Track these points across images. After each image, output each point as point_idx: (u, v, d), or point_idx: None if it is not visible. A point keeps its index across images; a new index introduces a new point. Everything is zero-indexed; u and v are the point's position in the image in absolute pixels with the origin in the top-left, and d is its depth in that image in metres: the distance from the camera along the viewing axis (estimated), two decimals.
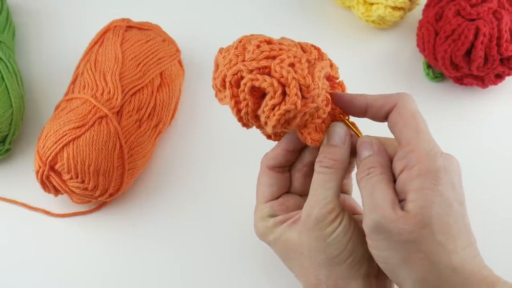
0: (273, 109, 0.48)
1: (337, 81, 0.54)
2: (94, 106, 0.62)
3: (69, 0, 0.83)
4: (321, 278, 0.51)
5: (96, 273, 0.62)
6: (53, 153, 0.60)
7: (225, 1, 0.82)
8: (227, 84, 0.50)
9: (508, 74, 0.69)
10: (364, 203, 0.49)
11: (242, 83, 0.49)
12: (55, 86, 0.73)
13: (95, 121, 0.61)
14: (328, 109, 0.51)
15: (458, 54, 0.67)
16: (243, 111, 0.50)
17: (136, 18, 0.73)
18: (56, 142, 0.60)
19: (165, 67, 0.68)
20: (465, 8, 0.68)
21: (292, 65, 0.48)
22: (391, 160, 0.50)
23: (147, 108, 0.65)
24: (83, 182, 0.61)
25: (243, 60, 0.49)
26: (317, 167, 0.52)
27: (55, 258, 0.63)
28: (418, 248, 0.46)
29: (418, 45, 0.73)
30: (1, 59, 0.68)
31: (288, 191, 0.57)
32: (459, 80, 0.71)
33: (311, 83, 0.48)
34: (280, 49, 0.49)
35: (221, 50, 0.52)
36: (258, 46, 0.49)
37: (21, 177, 0.68)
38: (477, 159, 0.68)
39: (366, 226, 0.48)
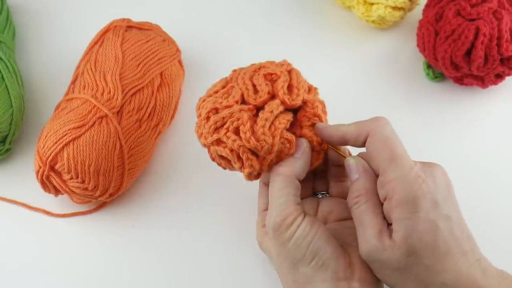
0: (240, 169, 0.53)
1: (310, 105, 0.55)
2: (94, 106, 0.62)
3: (69, 0, 0.83)
4: (290, 284, 0.53)
5: (96, 273, 0.62)
6: (53, 153, 0.60)
7: (225, 1, 0.82)
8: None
9: (508, 74, 0.69)
10: (357, 233, 0.51)
11: (210, 152, 0.55)
12: (55, 86, 0.73)
13: (95, 121, 0.61)
14: (292, 149, 0.53)
15: (458, 54, 0.67)
16: (225, 168, 0.55)
17: (136, 18, 0.73)
18: (56, 142, 0.60)
19: (165, 67, 0.68)
20: (465, 8, 0.68)
21: (237, 130, 0.52)
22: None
23: (147, 108, 0.65)
24: (83, 182, 0.61)
25: (202, 132, 0.54)
26: (270, 177, 0.54)
27: (55, 258, 0.63)
28: (408, 273, 0.48)
29: (418, 45, 0.73)
30: (1, 59, 0.68)
31: None
32: (459, 80, 0.71)
33: (257, 143, 0.51)
34: (223, 117, 0.52)
35: (197, 104, 0.57)
36: (207, 119, 0.53)
37: (21, 177, 0.68)
38: (477, 159, 0.68)
39: (362, 254, 0.51)
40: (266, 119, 0.52)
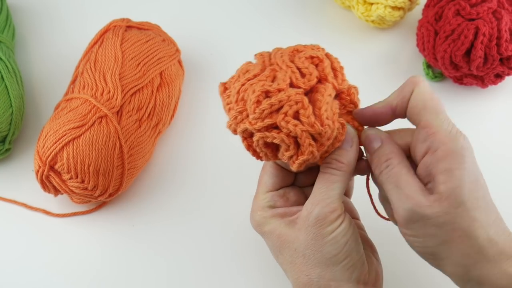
0: (291, 158, 0.49)
1: (346, 91, 0.52)
2: (94, 106, 0.62)
3: (69, 0, 0.83)
4: (313, 277, 0.51)
5: (96, 272, 0.62)
6: (53, 153, 0.60)
7: (225, 1, 0.82)
8: (240, 137, 0.50)
9: (508, 74, 0.69)
10: (392, 196, 0.49)
11: (254, 139, 0.49)
12: (55, 86, 0.73)
13: (95, 121, 0.61)
14: (343, 135, 0.51)
15: (458, 54, 0.67)
16: (263, 158, 0.51)
17: (136, 18, 0.73)
18: (56, 142, 0.60)
19: (165, 67, 0.68)
20: (464, 8, 0.68)
21: (296, 114, 0.48)
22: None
23: (147, 108, 0.65)
24: (83, 182, 0.61)
25: (247, 116, 0.49)
26: (323, 167, 0.52)
27: (55, 258, 0.63)
28: (456, 227, 0.47)
29: (418, 45, 0.73)
30: (1, 59, 0.68)
31: (290, 184, 0.56)
32: (459, 80, 0.71)
33: (321, 128, 0.48)
34: (280, 101, 0.48)
35: (221, 91, 0.52)
36: (258, 103, 0.48)
37: (21, 177, 0.68)
38: (477, 158, 0.68)
39: (400, 217, 0.49)
40: (327, 103, 0.48)
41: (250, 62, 0.52)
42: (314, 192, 0.52)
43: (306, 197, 0.54)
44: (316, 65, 0.51)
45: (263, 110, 0.48)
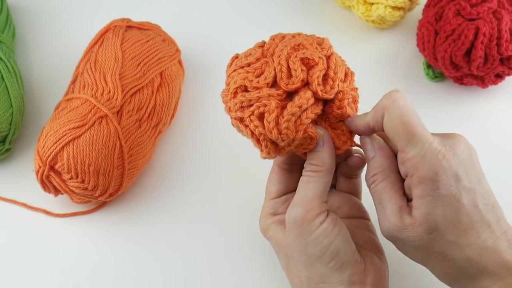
0: (257, 147, 0.52)
1: (337, 99, 0.52)
2: (94, 106, 0.62)
3: (69, 0, 0.83)
4: (303, 279, 0.52)
5: (96, 272, 0.62)
6: (53, 153, 0.60)
7: (225, 1, 0.82)
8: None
9: (508, 74, 0.69)
10: (377, 212, 0.51)
11: (232, 123, 0.53)
12: (55, 86, 0.73)
13: (95, 121, 0.61)
14: (313, 144, 0.52)
15: (458, 54, 0.67)
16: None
17: (136, 18, 0.73)
18: (56, 142, 0.60)
19: (165, 67, 0.68)
20: (465, 8, 0.68)
21: (261, 116, 0.50)
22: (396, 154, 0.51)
23: (147, 108, 0.65)
24: (83, 182, 0.61)
25: (227, 103, 0.52)
26: (303, 172, 0.53)
27: (55, 258, 0.63)
28: (431, 250, 0.48)
29: (418, 45, 0.73)
30: (1, 59, 0.68)
31: (294, 190, 0.56)
32: (459, 80, 0.71)
33: (278, 136, 0.50)
34: (250, 100, 0.50)
35: (229, 64, 0.54)
36: (234, 94, 0.51)
37: (21, 177, 0.68)
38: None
39: (382, 234, 0.50)
40: (293, 114, 0.49)
41: (263, 42, 0.54)
42: (294, 196, 0.52)
43: None
44: (310, 68, 0.51)
45: (236, 103, 0.51)
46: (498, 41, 0.66)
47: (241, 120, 0.51)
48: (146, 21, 0.72)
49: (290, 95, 0.51)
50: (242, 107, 0.51)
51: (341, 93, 0.51)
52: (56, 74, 0.74)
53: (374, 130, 0.51)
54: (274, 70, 0.50)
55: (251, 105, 0.50)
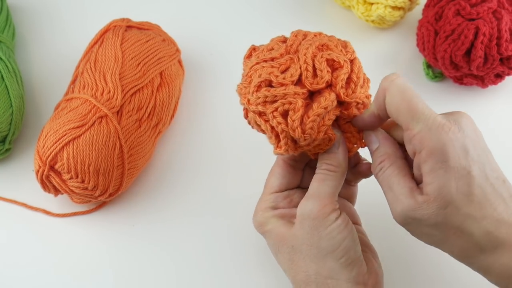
0: (272, 143, 0.52)
1: (354, 103, 0.52)
2: (94, 106, 0.62)
3: (69, 0, 0.83)
4: (311, 274, 0.52)
5: (96, 272, 0.62)
6: (53, 153, 0.60)
7: (225, 1, 0.82)
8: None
9: (508, 74, 0.69)
10: (387, 198, 0.50)
11: (249, 115, 0.52)
12: (55, 86, 0.73)
13: (95, 121, 0.61)
14: (330, 145, 0.52)
15: (458, 54, 0.67)
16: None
17: (136, 18, 0.73)
18: (56, 142, 0.60)
19: (165, 67, 0.68)
20: (465, 8, 0.68)
21: (285, 113, 0.50)
22: (400, 143, 0.51)
23: (147, 108, 0.65)
24: (83, 182, 0.61)
25: (248, 93, 0.51)
26: (317, 170, 0.53)
27: (55, 258, 0.63)
28: (449, 226, 0.47)
29: (418, 45, 0.73)
30: (1, 59, 0.68)
31: (296, 187, 0.57)
32: (459, 80, 0.71)
33: (301, 135, 0.50)
34: (276, 96, 0.50)
35: (246, 55, 0.54)
36: (258, 88, 0.51)
37: (21, 177, 0.68)
38: None
39: (396, 219, 0.49)
40: (319, 115, 0.49)
41: (284, 37, 0.53)
42: (308, 190, 0.53)
43: None
44: (334, 70, 0.51)
45: (259, 97, 0.50)
46: (498, 41, 0.66)
47: (260, 114, 0.51)
48: (146, 21, 0.72)
49: (311, 94, 0.51)
50: (265, 101, 0.50)
51: (354, 100, 0.52)
52: (56, 74, 0.74)
53: (380, 118, 0.51)
54: (300, 68, 0.50)
55: (275, 101, 0.50)
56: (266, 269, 0.61)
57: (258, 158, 0.59)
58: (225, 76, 0.75)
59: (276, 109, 0.50)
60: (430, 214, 0.47)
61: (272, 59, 0.51)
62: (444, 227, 0.47)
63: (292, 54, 0.51)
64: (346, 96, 0.51)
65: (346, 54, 0.52)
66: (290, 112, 0.49)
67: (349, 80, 0.51)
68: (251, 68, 0.52)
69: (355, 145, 0.53)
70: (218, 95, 0.74)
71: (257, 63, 0.52)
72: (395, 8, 0.74)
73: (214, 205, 0.66)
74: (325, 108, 0.50)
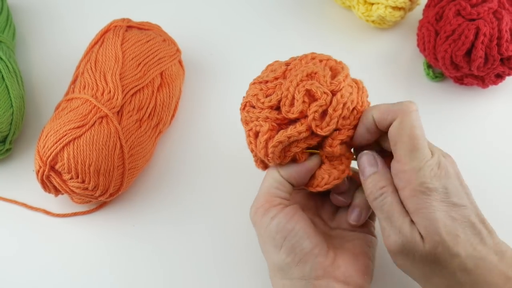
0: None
1: (329, 137, 0.53)
2: (95, 106, 0.62)
3: (69, 0, 0.83)
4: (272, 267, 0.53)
5: (96, 273, 0.62)
6: (54, 153, 0.60)
7: (225, 1, 0.82)
8: None
9: (509, 74, 0.69)
10: (384, 225, 0.50)
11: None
12: (55, 86, 0.73)
13: (95, 121, 0.61)
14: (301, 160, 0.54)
15: (458, 54, 0.67)
16: None
17: (136, 18, 0.73)
18: (56, 142, 0.60)
19: (165, 67, 0.68)
20: (465, 8, 0.68)
21: (256, 134, 0.53)
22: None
23: (147, 108, 0.65)
24: (83, 182, 0.61)
25: (240, 110, 0.56)
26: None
27: (55, 258, 0.63)
28: (438, 265, 0.48)
29: (418, 45, 0.73)
30: (1, 59, 0.68)
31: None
32: (459, 80, 0.71)
33: (265, 157, 0.53)
34: (251, 117, 0.53)
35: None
36: (244, 107, 0.54)
37: (21, 177, 0.68)
38: (477, 159, 0.68)
39: (391, 247, 0.50)
40: (281, 142, 0.51)
41: (292, 59, 0.55)
42: None
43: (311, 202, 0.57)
44: (313, 101, 0.51)
45: (244, 116, 0.54)
46: (499, 41, 0.66)
47: (248, 132, 0.54)
48: (146, 21, 0.72)
49: (292, 121, 0.52)
50: (246, 121, 0.54)
51: (337, 132, 0.52)
52: (56, 74, 0.74)
53: (373, 129, 0.52)
54: (281, 94, 0.52)
55: (252, 122, 0.53)
56: (266, 269, 0.61)
57: None
58: (225, 76, 0.75)
59: (251, 129, 0.53)
60: (428, 252, 0.48)
61: (266, 82, 0.54)
62: (434, 264, 0.48)
63: (284, 79, 0.53)
64: (320, 129, 0.51)
65: (330, 85, 0.51)
66: (260, 134, 0.52)
67: (324, 113, 0.51)
68: (249, 85, 0.55)
69: (344, 172, 0.53)
70: (218, 95, 0.74)
71: (254, 82, 0.55)
72: (395, 8, 0.74)
73: (214, 204, 0.66)
74: (288, 137, 0.51)
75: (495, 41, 0.66)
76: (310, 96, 0.51)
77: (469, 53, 0.67)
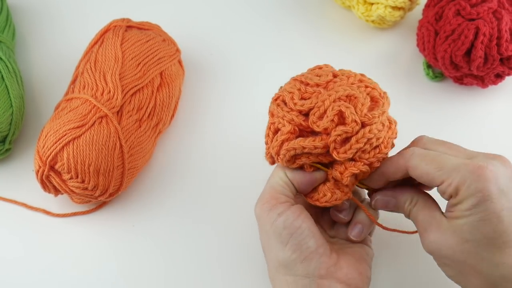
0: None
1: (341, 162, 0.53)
2: (94, 106, 0.62)
3: (69, 0, 0.83)
4: (274, 264, 0.53)
5: (96, 272, 0.62)
6: (53, 153, 0.60)
7: (225, 1, 0.82)
8: None
9: (508, 74, 0.69)
10: (419, 231, 0.52)
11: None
12: (55, 86, 0.73)
13: (95, 121, 0.61)
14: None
15: (458, 54, 0.67)
16: None
17: (136, 18, 0.73)
18: (56, 142, 0.60)
19: (165, 67, 0.68)
20: (465, 8, 0.68)
21: (275, 131, 0.54)
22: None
23: (147, 108, 0.65)
24: (83, 182, 0.61)
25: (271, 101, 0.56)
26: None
27: (55, 258, 0.63)
28: (465, 264, 0.49)
29: (418, 45, 0.73)
30: (1, 59, 0.68)
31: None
32: (459, 80, 0.71)
33: (275, 156, 0.54)
34: (278, 113, 0.54)
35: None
36: (275, 100, 0.55)
37: (21, 177, 0.68)
38: None
39: (426, 247, 0.51)
40: (294, 148, 0.52)
41: (340, 71, 0.55)
42: None
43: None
44: (340, 121, 0.51)
45: (273, 107, 0.54)
46: (498, 41, 0.66)
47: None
48: (146, 21, 0.72)
49: (315, 133, 0.53)
50: (272, 113, 0.54)
51: (353, 162, 0.52)
52: (56, 74, 0.75)
53: (406, 176, 0.53)
54: (316, 104, 0.52)
55: (278, 117, 0.53)
56: (266, 269, 0.61)
57: (257, 158, 0.59)
58: (225, 76, 0.75)
59: (273, 123, 0.54)
60: (449, 246, 0.49)
61: (307, 84, 0.54)
62: (461, 264, 0.49)
63: (324, 89, 0.53)
64: (337, 153, 0.51)
65: (364, 117, 0.51)
66: (279, 133, 0.53)
67: (347, 140, 0.51)
68: (291, 79, 0.55)
69: (346, 195, 0.54)
70: (218, 95, 0.74)
71: (296, 79, 0.55)
72: (395, 8, 0.74)
73: (214, 204, 0.66)
74: (303, 147, 0.51)
75: (494, 41, 0.66)
76: (341, 117, 0.51)
77: (468, 53, 0.67)
